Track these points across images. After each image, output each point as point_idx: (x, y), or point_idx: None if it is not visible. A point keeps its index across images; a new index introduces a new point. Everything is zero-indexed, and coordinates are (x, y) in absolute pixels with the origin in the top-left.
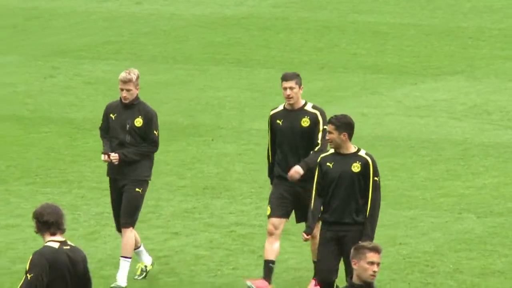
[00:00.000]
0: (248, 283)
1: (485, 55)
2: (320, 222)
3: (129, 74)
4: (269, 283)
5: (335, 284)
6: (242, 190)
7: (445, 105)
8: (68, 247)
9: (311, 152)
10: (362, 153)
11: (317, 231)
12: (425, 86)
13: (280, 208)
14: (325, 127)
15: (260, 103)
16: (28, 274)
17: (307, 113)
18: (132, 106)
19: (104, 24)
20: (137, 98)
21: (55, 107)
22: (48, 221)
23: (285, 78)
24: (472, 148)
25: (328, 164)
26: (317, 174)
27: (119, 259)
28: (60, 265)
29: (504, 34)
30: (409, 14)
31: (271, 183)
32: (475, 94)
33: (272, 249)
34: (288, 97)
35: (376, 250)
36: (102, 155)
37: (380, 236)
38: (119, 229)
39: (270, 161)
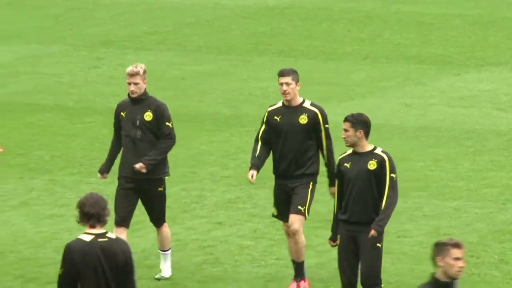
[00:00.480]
0: None
1: None
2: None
3: (136, 67)
4: (303, 279)
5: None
6: None
7: (489, 95)
8: (105, 239)
9: (327, 160)
10: (378, 151)
11: (300, 227)
12: (469, 77)
13: (285, 211)
14: (326, 125)
15: (302, 93)
16: (60, 269)
17: (305, 110)
18: (140, 101)
19: (148, 15)
20: (145, 92)
21: (99, 97)
22: (88, 213)
23: (281, 73)
24: None
25: (345, 164)
26: (336, 176)
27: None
28: (91, 258)
29: None
30: (453, 4)
31: (250, 168)
32: None
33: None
34: (285, 93)
35: (459, 246)
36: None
37: (424, 226)
38: (118, 224)
39: (256, 154)
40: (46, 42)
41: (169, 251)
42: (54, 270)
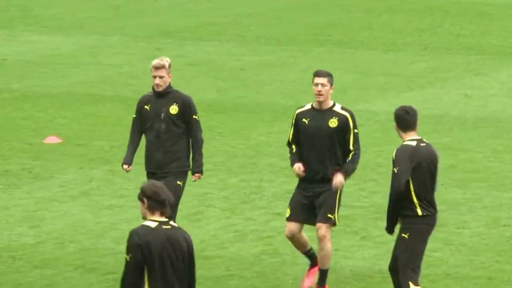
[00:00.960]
0: None
1: None
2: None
3: (161, 60)
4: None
5: None
6: None
7: None
8: (169, 227)
9: (348, 159)
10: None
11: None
12: None
13: (299, 214)
14: (355, 130)
15: (362, 84)
16: (126, 256)
17: (335, 113)
18: (166, 94)
19: (208, 5)
20: (170, 86)
21: None
22: (164, 200)
23: (317, 74)
24: None
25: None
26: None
27: None
28: (157, 244)
29: None
30: None
31: (293, 163)
32: None
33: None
34: (319, 93)
35: None
36: (123, 165)
37: (483, 217)
38: None
39: (294, 152)
40: (106, 32)
41: None
42: (113, 260)
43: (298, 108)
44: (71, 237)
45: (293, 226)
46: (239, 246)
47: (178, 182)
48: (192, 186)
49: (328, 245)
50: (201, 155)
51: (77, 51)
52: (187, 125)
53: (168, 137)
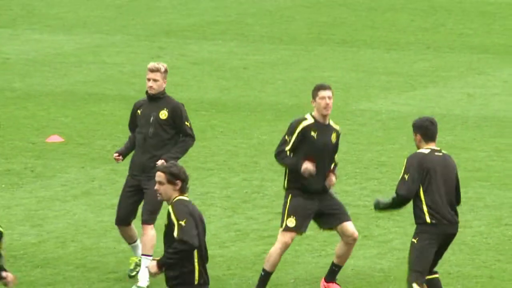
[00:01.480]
0: None
1: None
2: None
3: (158, 64)
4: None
5: None
6: (346, 170)
7: None
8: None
9: (333, 167)
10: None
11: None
12: None
13: (305, 224)
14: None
15: (365, 83)
16: (181, 221)
17: (333, 129)
18: (158, 99)
19: (210, 4)
20: (164, 92)
21: None
22: (187, 178)
23: (323, 87)
24: None
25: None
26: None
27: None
28: (199, 213)
29: None
30: None
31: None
32: None
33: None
34: (327, 107)
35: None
36: (114, 154)
37: (485, 216)
38: (118, 223)
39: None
40: (109, 31)
41: (150, 259)
42: (114, 259)
43: (302, 120)
44: (72, 236)
45: (294, 236)
46: (240, 245)
47: None
48: (194, 185)
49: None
50: (180, 153)
51: (80, 50)
52: (178, 132)
53: (155, 142)
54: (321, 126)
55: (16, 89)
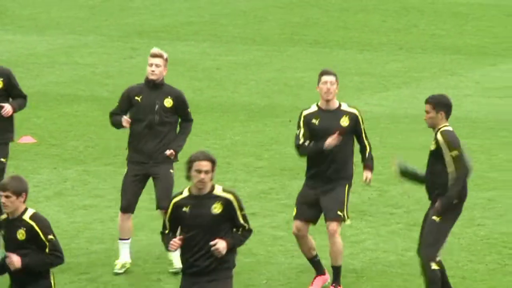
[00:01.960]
0: None
1: None
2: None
3: (160, 50)
4: (322, 273)
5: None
6: None
7: None
8: None
9: (366, 154)
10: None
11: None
12: (504, 67)
13: (306, 211)
14: (363, 125)
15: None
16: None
17: (345, 112)
18: (159, 87)
19: (184, 5)
20: (163, 80)
21: None
22: None
23: (326, 73)
24: None
25: None
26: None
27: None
28: None
29: None
30: None
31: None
32: None
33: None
34: (328, 91)
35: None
36: (123, 120)
37: None
38: (125, 210)
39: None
40: (82, 32)
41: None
42: (87, 260)
43: (304, 110)
44: None
45: (299, 224)
46: None
47: (171, 170)
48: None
49: (339, 240)
50: (185, 140)
51: (52, 51)
52: (181, 118)
53: (161, 128)
54: (324, 112)
55: None
